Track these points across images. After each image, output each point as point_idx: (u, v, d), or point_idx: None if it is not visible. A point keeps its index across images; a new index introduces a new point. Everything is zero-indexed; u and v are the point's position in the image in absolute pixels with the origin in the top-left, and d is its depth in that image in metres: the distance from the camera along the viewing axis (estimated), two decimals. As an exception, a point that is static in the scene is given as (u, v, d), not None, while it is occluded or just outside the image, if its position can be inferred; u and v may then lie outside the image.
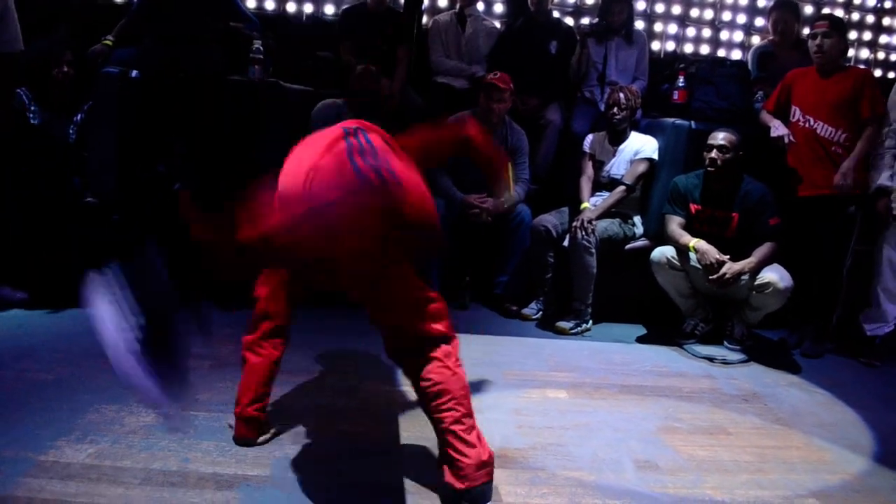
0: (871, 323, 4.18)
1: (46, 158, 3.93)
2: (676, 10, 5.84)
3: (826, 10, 5.78)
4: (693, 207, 4.01)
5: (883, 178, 4.05)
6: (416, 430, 2.72)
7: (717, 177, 3.93)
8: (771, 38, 5.12)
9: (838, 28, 4.17)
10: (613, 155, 4.37)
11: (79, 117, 4.08)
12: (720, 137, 3.91)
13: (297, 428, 2.65)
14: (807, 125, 4.14)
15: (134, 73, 4.15)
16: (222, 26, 4.55)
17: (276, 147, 4.04)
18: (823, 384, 3.67)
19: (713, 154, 3.90)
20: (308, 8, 5.54)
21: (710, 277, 3.79)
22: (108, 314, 1.91)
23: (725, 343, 4.02)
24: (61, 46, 4.04)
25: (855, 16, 6.06)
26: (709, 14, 5.89)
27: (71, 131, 4.07)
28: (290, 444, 2.54)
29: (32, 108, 4.00)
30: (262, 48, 4.33)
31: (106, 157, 4.08)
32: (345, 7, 5.26)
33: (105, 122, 4.11)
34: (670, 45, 5.86)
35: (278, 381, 2.94)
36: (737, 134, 3.93)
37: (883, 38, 6.11)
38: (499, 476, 2.35)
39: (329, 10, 5.54)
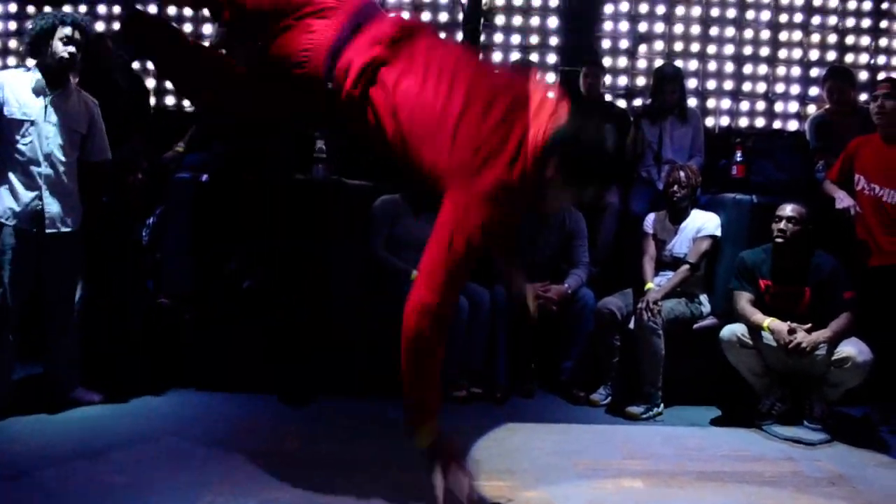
0: None
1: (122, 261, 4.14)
2: (728, 85, 5.87)
3: (881, 76, 5.75)
4: (762, 283, 3.94)
5: None
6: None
7: (787, 250, 3.86)
8: (827, 106, 5.09)
9: None
10: (675, 234, 4.34)
11: (151, 220, 4.27)
12: (788, 209, 3.86)
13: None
14: (872, 193, 4.07)
15: (204, 177, 4.36)
16: (286, 128, 4.78)
17: (342, 243, 4.25)
18: (916, 464, 3.48)
19: (782, 225, 3.84)
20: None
21: (788, 347, 3.67)
22: None
23: (805, 423, 3.85)
24: (136, 155, 4.29)
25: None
26: (761, 87, 5.90)
27: (144, 234, 4.26)
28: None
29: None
30: (324, 147, 4.51)
31: (180, 258, 4.26)
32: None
33: (178, 225, 4.30)
34: (724, 121, 5.87)
35: (347, 476, 2.99)
36: (805, 206, 3.88)
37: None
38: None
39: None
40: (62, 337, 3.77)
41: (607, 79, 5.60)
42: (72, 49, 3.54)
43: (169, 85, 5.71)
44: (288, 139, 4.64)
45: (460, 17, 5.66)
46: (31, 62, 3.84)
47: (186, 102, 5.72)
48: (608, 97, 5.56)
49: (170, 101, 5.75)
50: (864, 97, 5.33)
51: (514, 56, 5.69)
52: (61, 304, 3.75)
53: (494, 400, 4.15)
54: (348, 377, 4.16)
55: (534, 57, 5.72)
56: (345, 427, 3.64)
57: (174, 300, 4.18)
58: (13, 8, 5.89)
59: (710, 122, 5.78)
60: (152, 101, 5.62)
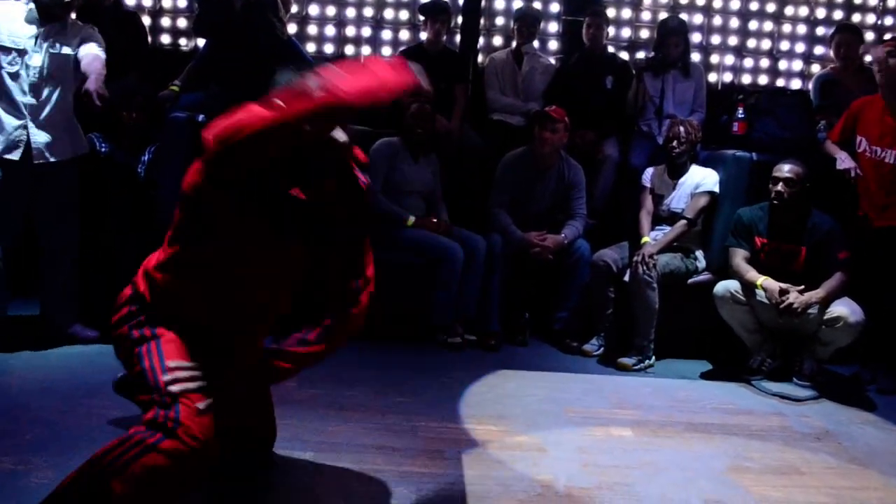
0: None
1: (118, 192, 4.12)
2: (733, 41, 5.80)
3: (889, 36, 5.68)
4: (758, 240, 3.94)
5: None
6: (480, 468, 2.70)
7: (784, 209, 3.86)
8: (833, 65, 5.04)
9: None
10: (673, 188, 4.33)
11: (146, 157, 4.23)
12: (786, 170, 3.83)
13: (360, 467, 2.65)
14: (874, 156, 4.05)
15: (200, 117, 4.30)
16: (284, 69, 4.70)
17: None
18: (901, 422, 3.53)
19: (779, 187, 3.82)
20: (366, 50, 5.68)
21: (780, 307, 3.69)
22: None
23: (795, 379, 3.89)
24: (131, 92, 4.22)
25: (920, 42, 5.91)
26: (766, 44, 5.82)
27: (140, 170, 4.22)
28: (357, 482, 2.55)
29: (103, 149, 4.17)
30: (322, 90, 4.43)
31: (174, 198, 4.21)
32: (401, 48, 5.37)
33: (173, 163, 4.24)
34: (727, 77, 5.80)
35: (339, 417, 3.02)
36: (803, 166, 3.85)
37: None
38: (566, 516, 2.31)
39: (386, 51, 5.66)
40: (57, 272, 3.75)
41: (611, 30, 5.52)
42: None
43: (165, 22, 5.60)
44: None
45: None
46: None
47: (183, 41, 5.63)
48: (611, 49, 5.48)
49: (165, 39, 5.63)
50: (868, 58, 5.26)
51: (518, 4, 5.59)
52: (55, 237, 3.72)
53: (488, 347, 4.17)
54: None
55: (537, 5, 5.61)
56: (339, 370, 3.64)
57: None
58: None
59: (712, 77, 5.70)
60: (148, 39, 5.52)
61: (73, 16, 3.79)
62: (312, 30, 5.66)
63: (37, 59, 3.52)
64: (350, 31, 5.67)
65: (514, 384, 3.67)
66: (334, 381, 3.45)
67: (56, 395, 3.11)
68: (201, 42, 5.20)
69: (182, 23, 5.62)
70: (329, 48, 5.65)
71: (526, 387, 3.65)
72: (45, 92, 3.57)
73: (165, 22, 5.62)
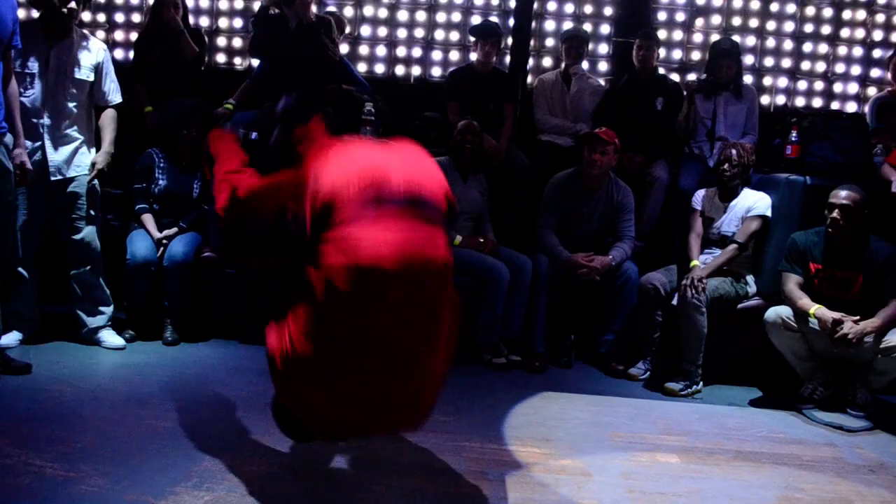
0: None
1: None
2: (787, 63, 5.74)
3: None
4: (813, 266, 3.86)
5: None
6: (524, 490, 2.69)
7: (840, 236, 3.78)
8: (890, 88, 4.95)
9: None
10: (724, 212, 4.27)
11: (202, 174, 4.35)
12: (843, 196, 3.75)
13: (404, 486, 2.66)
14: None
15: (254, 135, 4.39)
16: (336, 89, 4.80)
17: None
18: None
19: (835, 214, 3.74)
20: (416, 70, 5.76)
21: (834, 337, 3.61)
22: None
23: (848, 409, 3.80)
24: (191, 111, 4.35)
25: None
26: (821, 66, 5.75)
27: (195, 187, 4.33)
28: (397, 502, 2.55)
29: (162, 165, 4.30)
30: (373, 110, 4.51)
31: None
32: (452, 69, 5.43)
33: (225, 180, 4.35)
34: (780, 99, 5.74)
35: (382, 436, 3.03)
36: (860, 191, 3.77)
37: None
38: (609, 543, 2.30)
39: (436, 72, 5.73)
40: (83, 281, 3.94)
41: (662, 52, 5.49)
42: (71, 4, 3.63)
43: (221, 42, 5.76)
44: (338, 100, 4.67)
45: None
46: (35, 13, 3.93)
47: (237, 60, 5.77)
48: (662, 70, 5.45)
49: (221, 58, 5.79)
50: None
51: (567, 25, 5.60)
52: (78, 247, 3.90)
53: (532, 369, 4.16)
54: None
55: (587, 27, 5.62)
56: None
57: (219, 254, 4.25)
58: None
59: (765, 100, 5.65)
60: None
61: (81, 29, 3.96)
62: (364, 50, 5.76)
63: (48, 80, 3.70)
64: (401, 51, 5.76)
65: (559, 406, 3.64)
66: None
67: (107, 403, 3.21)
68: (255, 62, 5.33)
69: (237, 42, 5.77)
70: (380, 68, 5.74)
71: (570, 409, 3.62)
72: (61, 112, 3.75)
73: (221, 41, 5.77)
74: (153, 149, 4.34)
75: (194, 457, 2.74)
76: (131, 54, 5.33)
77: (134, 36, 5.48)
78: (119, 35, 5.76)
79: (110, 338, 3.97)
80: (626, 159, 4.75)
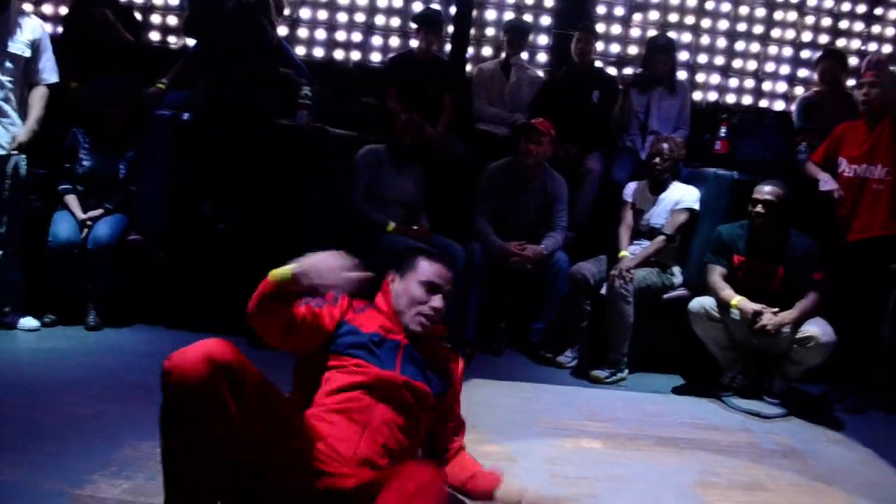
0: None
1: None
2: (719, 60, 5.87)
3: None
4: (737, 258, 3.98)
5: None
6: (447, 476, 2.71)
7: (763, 230, 3.90)
8: (817, 89, 5.11)
9: (884, 76, 4.14)
10: (654, 204, 4.37)
11: (130, 155, 4.24)
12: (766, 191, 3.87)
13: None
14: (853, 174, 4.12)
15: (185, 116, 4.31)
16: (273, 72, 4.72)
17: (320, 191, 4.24)
18: (866, 441, 3.56)
19: (759, 208, 3.86)
20: (355, 55, 5.70)
21: (753, 327, 3.74)
22: None
23: (765, 397, 3.94)
24: (118, 89, 4.23)
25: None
26: (752, 65, 5.90)
27: (121, 168, 4.22)
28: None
29: (86, 145, 4.17)
30: (309, 94, 4.46)
31: (155, 196, 4.22)
32: (391, 55, 5.40)
33: (155, 162, 4.26)
34: (713, 96, 5.88)
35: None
36: (783, 187, 3.90)
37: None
38: (534, 527, 2.33)
39: (375, 57, 5.69)
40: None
41: (600, 45, 5.58)
42: None
43: (155, 19, 5.61)
44: (273, 84, 4.60)
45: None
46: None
47: (172, 38, 5.63)
48: (599, 64, 5.53)
49: (155, 36, 5.64)
50: (851, 82, 5.33)
51: (508, 16, 5.63)
52: None
53: (462, 355, 4.16)
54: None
55: (528, 17, 5.66)
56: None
57: (146, 237, 4.16)
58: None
59: (698, 96, 5.78)
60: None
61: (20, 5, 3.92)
62: (303, 33, 5.68)
63: None
64: (340, 35, 5.70)
65: (486, 393, 3.67)
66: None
67: (25, 389, 3.11)
68: (191, 41, 5.21)
69: (172, 20, 5.63)
70: (319, 52, 5.67)
71: (498, 396, 3.66)
72: None
73: (156, 19, 5.63)
74: (77, 128, 4.20)
75: (115, 444, 2.68)
76: (60, 28, 5.14)
77: (64, 11, 5.30)
78: (48, 8, 5.56)
79: (25, 321, 3.86)
80: (561, 150, 4.80)
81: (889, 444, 3.56)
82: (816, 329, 3.72)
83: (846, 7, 5.92)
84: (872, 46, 5.98)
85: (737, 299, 3.83)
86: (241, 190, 4.17)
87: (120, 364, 3.55)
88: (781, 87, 5.90)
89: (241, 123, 4.21)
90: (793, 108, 5.31)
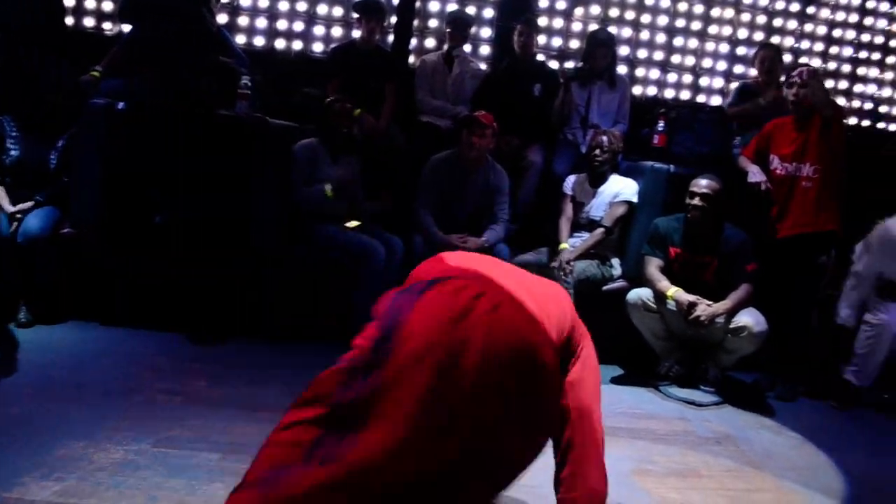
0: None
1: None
2: (658, 55, 5.97)
3: (803, 60, 5.96)
4: (672, 251, 4.06)
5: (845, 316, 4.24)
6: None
7: (699, 223, 3.99)
8: (756, 78, 5.24)
9: (814, 79, 4.27)
10: (593, 196, 4.43)
11: (61, 144, 4.11)
12: (703, 185, 3.96)
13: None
14: (784, 172, 4.23)
15: (120, 105, 4.19)
16: (212, 60, 4.62)
17: (260, 181, 4.18)
18: (796, 427, 3.70)
19: (696, 201, 3.95)
20: (297, 45, 5.62)
21: (688, 318, 3.83)
22: None
23: (700, 386, 4.05)
24: (48, 74, 4.09)
25: (832, 65, 6.20)
26: (690, 60, 6.01)
27: (52, 157, 4.09)
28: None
29: (14, 133, 4.03)
30: (249, 84, 4.38)
31: (89, 187, 4.10)
32: (334, 45, 5.35)
33: (90, 153, 4.13)
34: (652, 90, 5.97)
35: (249, 417, 2.98)
36: (719, 181, 3.99)
37: (858, 87, 6.27)
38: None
39: (318, 47, 5.62)
40: None
41: (542, 39, 5.62)
42: None
43: (89, 4, 5.43)
44: (213, 72, 4.51)
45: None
46: None
47: (107, 24, 5.47)
48: (541, 57, 5.56)
49: (89, 22, 5.46)
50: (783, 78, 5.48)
51: (451, 7, 5.62)
52: None
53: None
54: (260, 319, 4.13)
55: (470, 10, 5.66)
56: (252, 369, 3.62)
57: (80, 230, 4.04)
58: None
59: (637, 90, 5.86)
60: (69, 21, 5.36)
61: None
62: (244, 21, 5.57)
63: None
64: (282, 24, 5.61)
65: (430, 386, 3.69)
66: (246, 380, 3.43)
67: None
68: (126, 27, 5.06)
69: (107, 5, 5.46)
70: (259, 41, 5.58)
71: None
72: None
73: (90, 3, 5.45)
74: (4, 116, 4.05)
75: (46, 445, 2.61)
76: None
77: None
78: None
79: None
80: (503, 143, 4.82)
81: (817, 429, 3.70)
82: (749, 319, 3.83)
83: (780, 5, 6.08)
84: (805, 44, 6.16)
85: (672, 290, 3.92)
86: (179, 181, 4.08)
87: (52, 362, 3.45)
88: (718, 82, 6.02)
89: (179, 113, 4.12)
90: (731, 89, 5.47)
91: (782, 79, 5.13)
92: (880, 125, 6.25)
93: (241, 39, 5.46)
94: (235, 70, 4.58)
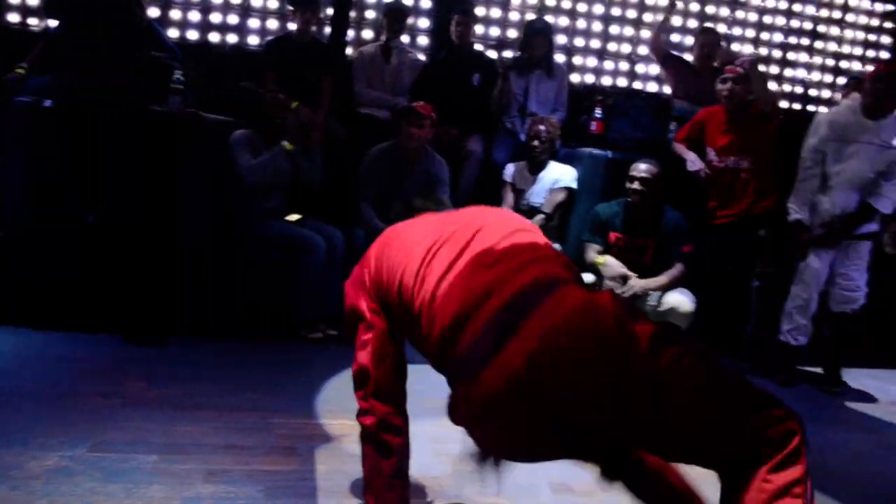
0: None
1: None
2: (595, 44, 6.04)
3: (735, 46, 6.10)
4: (613, 236, 4.12)
5: (798, 213, 4.26)
6: (333, 463, 2.70)
7: (639, 207, 4.06)
8: (695, 59, 5.36)
9: (748, 75, 4.38)
10: (533, 184, 4.47)
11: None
12: (642, 169, 4.03)
13: (208, 468, 2.59)
14: (722, 165, 4.34)
15: (47, 102, 4.06)
16: (143, 55, 4.51)
17: (192, 177, 4.10)
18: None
19: (635, 186, 4.02)
20: (232, 38, 5.53)
21: (617, 293, 3.89)
22: None
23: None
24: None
25: (763, 51, 6.36)
26: (626, 48, 6.10)
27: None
28: (202, 484, 2.49)
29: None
30: (182, 78, 4.30)
31: (15, 188, 3.97)
32: (269, 38, 5.27)
33: (16, 152, 4.00)
34: (589, 78, 6.04)
35: (189, 417, 2.94)
36: (658, 165, 4.06)
37: (788, 72, 6.44)
38: (414, 506, 2.36)
39: (253, 40, 5.53)
40: None
41: (479, 28, 5.63)
42: None
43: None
44: (143, 67, 4.41)
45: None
46: None
47: (33, 20, 5.29)
48: (479, 47, 5.58)
49: (13, 17, 5.28)
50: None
51: (389, -2, 5.60)
52: None
53: (349, 341, 4.16)
54: (198, 317, 4.05)
55: (407, 1, 5.64)
56: (192, 368, 3.56)
57: (6, 231, 3.92)
58: None
59: (575, 78, 5.92)
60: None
61: None
62: (176, 15, 5.45)
63: None
64: (216, 17, 5.50)
65: (374, 378, 3.68)
66: (186, 379, 3.36)
67: None
68: (53, 22, 4.91)
69: (33, 1, 5.28)
70: (193, 35, 5.47)
71: (386, 381, 3.66)
72: None
73: (14, -1, 5.27)
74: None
75: (-25, 453, 2.53)
76: None
77: None
78: None
79: None
80: (443, 133, 4.83)
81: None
82: (679, 297, 3.95)
83: (713, -8, 6.21)
84: (737, 31, 6.30)
85: (604, 257, 3.98)
86: (110, 180, 3.98)
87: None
88: (654, 69, 6.12)
89: (109, 110, 4.01)
90: (665, 89, 5.56)
91: (716, 63, 5.27)
92: (810, 108, 6.43)
93: (173, 34, 5.34)
94: (167, 65, 4.49)
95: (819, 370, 4.47)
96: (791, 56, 6.45)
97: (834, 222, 4.15)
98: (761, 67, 6.02)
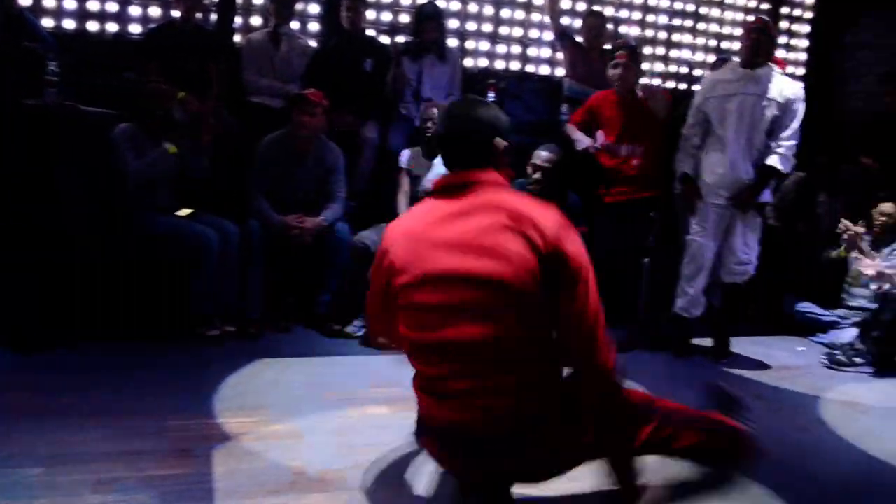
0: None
1: None
2: (487, 27, 6.08)
3: (623, 28, 6.27)
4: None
5: (686, 167, 4.39)
6: (231, 463, 2.65)
7: (541, 193, 4.12)
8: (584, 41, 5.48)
9: (635, 59, 4.52)
10: (429, 169, 4.48)
11: None
12: (544, 157, 4.09)
13: (97, 476, 2.49)
14: (616, 152, 4.47)
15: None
16: (14, 46, 4.27)
17: (72, 172, 3.92)
18: (632, 377, 3.86)
19: (537, 175, 4.08)
20: (112, 27, 5.28)
21: None
22: None
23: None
24: None
25: (649, 32, 6.56)
26: (518, 32, 6.16)
27: None
28: (90, 494, 2.39)
29: None
30: (57, 70, 4.09)
31: None
32: (150, 26, 5.07)
33: None
34: (482, 62, 6.07)
35: (77, 426, 2.82)
36: (557, 151, 4.13)
37: (673, 53, 6.67)
38: (317, 499, 2.38)
39: (135, 29, 5.30)
40: None
41: (370, 13, 5.58)
42: None
43: None
44: (15, 59, 4.18)
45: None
46: None
47: None
48: (371, 32, 5.53)
49: None
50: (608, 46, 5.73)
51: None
52: None
53: (248, 336, 4.10)
54: (87, 321, 3.87)
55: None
56: (82, 374, 3.42)
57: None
58: None
59: (468, 62, 5.94)
60: None
61: None
62: (50, 3, 5.16)
63: None
64: (93, 5, 5.24)
65: (274, 372, 3.63)
66: (76, 387, 3.22)
67: None
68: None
69: None
70: (69, 24, 5.20)
71: (286, 374, 3.63)
72: None
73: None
74: None
75: None
76: None
77: None
78: None
79: None
80: (336, 120, 4.77)
81: (655, 377, 3.87)
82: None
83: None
84: (624, 12, 6.47)
85: None
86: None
87: None
88: (545, 52, 6.21)
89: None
90: (557, 71, 5.66)
91: (607, 46, 5.41)
92: (695, 88, 6.68)
93: (48, 22, 5.07)
94: (41, 55, 4.27)
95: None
96: (676, 37, 6.67)
97: (742, 192, 4.22)
98: (647, 48, 6.27)
